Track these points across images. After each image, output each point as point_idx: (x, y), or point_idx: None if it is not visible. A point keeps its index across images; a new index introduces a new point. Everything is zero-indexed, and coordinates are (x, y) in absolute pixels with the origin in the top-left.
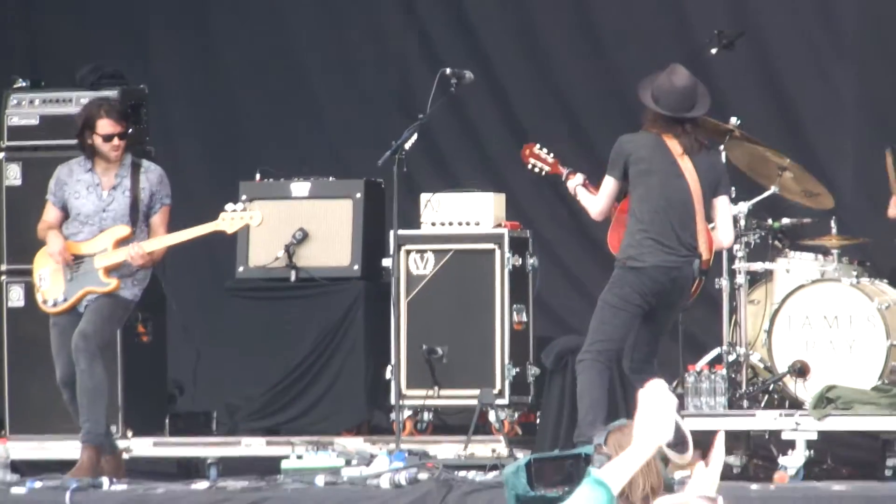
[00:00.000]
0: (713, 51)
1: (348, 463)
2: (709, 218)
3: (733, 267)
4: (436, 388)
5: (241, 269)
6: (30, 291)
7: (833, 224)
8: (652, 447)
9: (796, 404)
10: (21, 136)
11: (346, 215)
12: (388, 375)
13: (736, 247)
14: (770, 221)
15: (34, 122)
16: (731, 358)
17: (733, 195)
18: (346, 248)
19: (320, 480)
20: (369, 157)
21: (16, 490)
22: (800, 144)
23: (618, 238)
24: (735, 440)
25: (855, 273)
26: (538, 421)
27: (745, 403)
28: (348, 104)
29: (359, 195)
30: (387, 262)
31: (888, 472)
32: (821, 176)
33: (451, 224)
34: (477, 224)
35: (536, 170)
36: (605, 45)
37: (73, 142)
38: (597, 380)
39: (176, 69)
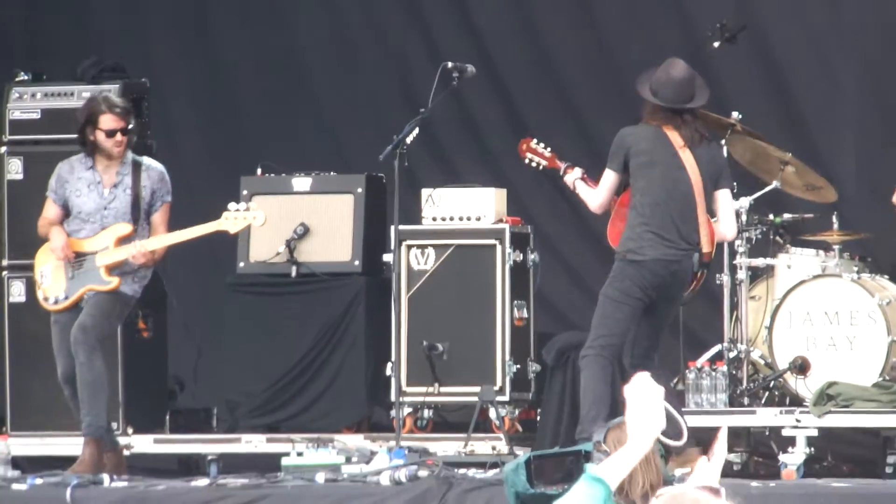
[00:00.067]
0: (715, 44)
1: (348, 460)
2: (711, 211)
3: (734, 262)
4: (436, 384)
5: (241, 264)
6: (31, 287)
7: (834, 219)
8: (648, 441)
9: (797, 401)
10: (23, 131)
11: (348, 210)
12: (388, 372)
13: (737, 242)
14: (771, 217)
15: (36, 116)
16: (732, 354)
17: (735, 190)
18: (347, 243)
19: (320, 477)
20: (370, 151)
21: (17, 486)
22: (802, 138)
23: (617, 231)
24: (736, 437)
25: (856, 269)
26: (539, 418)
27: (746, 400)
28: (350, 98)
29: (360, 190)
30: (388, 258)
31: (889, 470)
32: (822, 170)
33: (452, 219)
34: (478, 219)
35: (534, 164)
36: (607, 41)
37: (75, 136)
38: (600, 375)
39: (177, 63)
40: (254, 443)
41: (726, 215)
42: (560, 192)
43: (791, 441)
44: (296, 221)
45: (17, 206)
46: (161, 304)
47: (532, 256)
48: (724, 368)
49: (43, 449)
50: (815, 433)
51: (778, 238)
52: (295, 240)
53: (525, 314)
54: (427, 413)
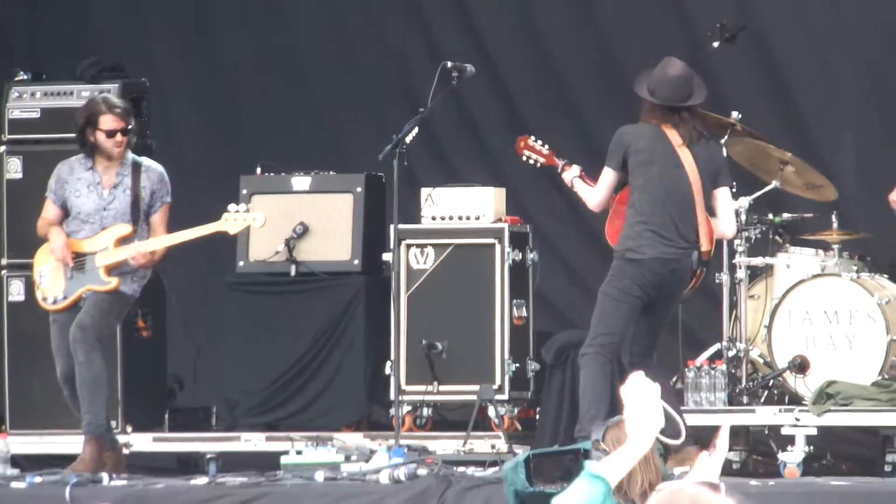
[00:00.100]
0: (715, 44)
1: (348, 458)
2: (710, 209)
3: (734, 262)
4: (435, 383)
5: (241, 263)
6: (30, 286)
7: (834, 219)
8: (648, 440)
9: (796, 400)
10: (22, 130)
11: (347, 209)
12: (387, 371)
13: (736, 241)
14: (771, 216)
15: (35, 115)
16: (731, 353)
17: (734, 189)
18: (347, 242)
19: (320, 476)
20: (370, 151)
21: (16, 485)
22: (801, 138)
23: (615, 229)
24: (735, 436)
25: (855, 268)
26: (538, 416)
27: (745, 399)
28: (350, 98)
29: (359, 189)
30: (387, 257)
31: (888, 468)
32: (822, 169)
33: (451, 218)
34: (477, 218)
35: (531, 162)
36: (607, 41)
37: (75, 135)
38: (599, 374)
39: (177, 63)
40: (253, 441)
41: (725, 213)
42: (559, 192)
43: (790, 440)
44: (295, 221)
45: (17, 205)
46: (160, 303)
47: (531, 255)
48: (724, 367)
49: (42, 447)
50: (814, 432)
51: (777, 237)
52: (294, 239)
53: (524, 313)
54: (426, 411)
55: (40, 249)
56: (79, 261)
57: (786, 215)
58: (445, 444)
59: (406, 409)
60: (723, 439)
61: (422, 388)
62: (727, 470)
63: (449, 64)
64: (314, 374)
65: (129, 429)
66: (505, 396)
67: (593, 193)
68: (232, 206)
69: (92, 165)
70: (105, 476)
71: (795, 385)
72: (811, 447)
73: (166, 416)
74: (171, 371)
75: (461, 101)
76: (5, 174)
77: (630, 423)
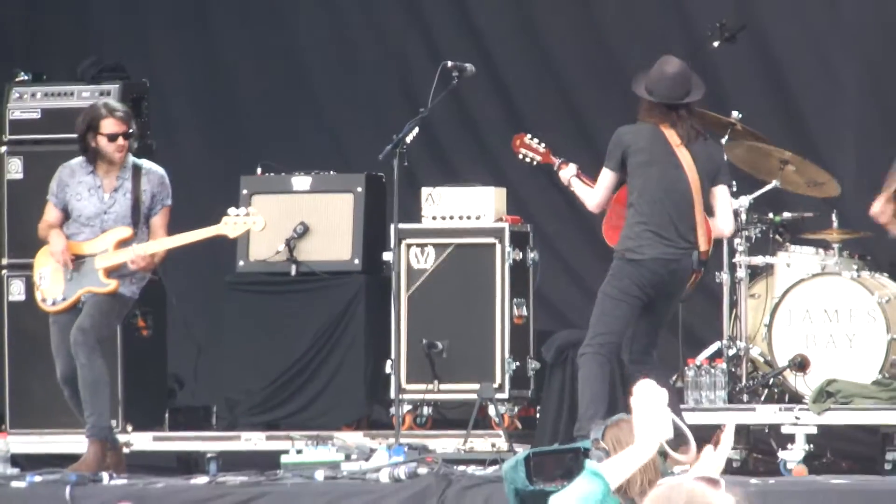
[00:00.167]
0: (715, 44)
1: (348, 457)
2: (708, 208)
3: (734, 261)
4: (435, 382)
5: (241, 262)
6: (31, 286)
7: (834, 218)
8: (653, 445)
9: (796, 398)
10: (23, 130)
11: (347, 209)
12: (387, 370)
13: (737, 240)
14: (771, 215)
15: (36, 115)
16: (731, 352)
17: (734, 189)
18: (347, 242)
19: (320, 475)
20: (370, 151)
21: (16, 484)
22: (802, 137)
23: (611, 227)
24: (735, 434)
25: (855, 267)
26: (538, 415)
27: (745, 397)
28: (350, 98)
29: (360, 189)
30: (387, 256)
31: (888, 467)
32: (823, 167)
33: (451, 218)
34: (478, 218)
35: (527, 160)
36: (607, 41)
37: (75, 135)
38: (598, 373)
39: (177, 63)
40: (253, 440)
41: (724, 211)
42: (559, 191)
43: (790, 438)
44: (295, 220)
45: (17, 205)
46: (161, 303)
47: (531, 255)
48: (724, 366)
49: (42, 447)
50: (814, 430)
51: (777, 236)
52: (295, 239)
53: (524, 312)
54: (426, 410)
55: (40, 251)
56: (78, 263)
57: (786, 214)
58: (446, 443)
59: (406, 407)
60: (727, 436)
61: (422, 386)
62: (728, 468)
63: (449, 64)
64: (314, 373)
65: (129, 428)
66: (505, 395)
67: (592, 194)
68: (232, 210)
69: (93, 169)
70: (105, 475)
71: (796, 384)
72: (811, 446)
73: (166, 415)
74: (171, 370)
75: (461, 101)
76: (6, 175)
77: (637, 427)
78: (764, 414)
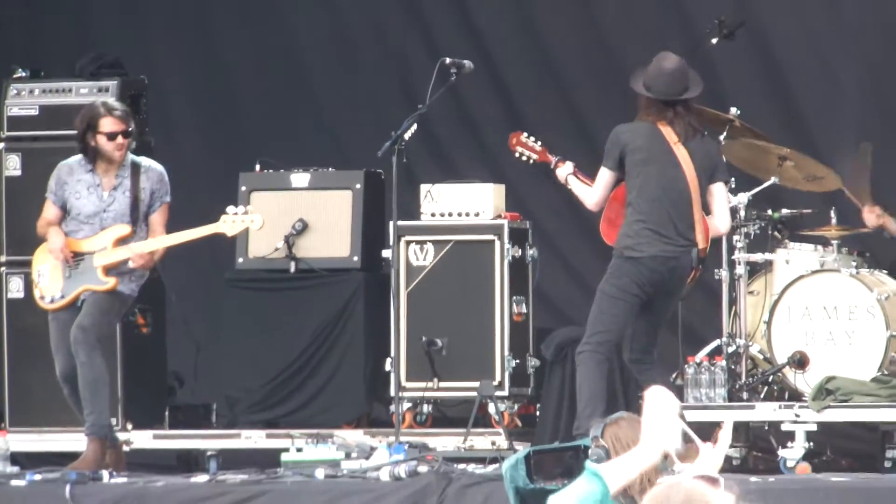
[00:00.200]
0: (714, 41)
1: (348, 456)
2: (705, 206)
3: (733, 257)
4: (435, 380)
5: (240, 260)
6: (30, 283)
7: (833, 214)
8: (656, 452)
9: (796, 396)
10: (21, 127)
11: (346, 206)
12: (387, 367)
13: (735, 237)
14: (770, 212)
15: (34, 112)
16: (731, 349)
17: (733, 185)
18: (346, 239)
19: (320, 473)
20: (369, 147)
21: (16, 482)
22: (800, 135)
23: (609, 225)
24: (734, 432)
25: (854, 263)
26: (538, 413)
27: (745, 395)
28: (350, 98)
29: (359, 186)
30: (386, 254)
31: (887, 464)
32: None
33: (450, 215)
34: (477, 215)
35: (524, 158)
36: (607, 40)
37: (73, 132)
38: (595, 371)
39: (177, 63)
40: (253, 438)
41: (720, 209)
42: (558, 188)
43: (790, 436)
44: (294, 217)
45: (16, 202)
46: (160, 300)
47: (531, 252)
48: (723, 363)
49: (42, 445)
50: (814, 428)
51: (776, 233)
52: (293, 236)
53: (524, 309)
54: (426, 408)
55: (39, 249)
56: (77, 260)
57: (785, 211)
58: (446, 441)
59: (406, 405)
60: (725, 434)
61: (422, 384)
62: (727, 466)
63: (447, 60)
64: (314, 371)
65: (129, 426)
66: (505, 393)
67: (591, 193)
68: (230, 209)
69: (92, 168)
70: (105, 474)
71: (795, 381)
72: (811, 443)
73: (166, 413)
74: (170, 368)
75: (460, 98)
76: (4, 171)
77: (643, 431)
78: (763, 411)
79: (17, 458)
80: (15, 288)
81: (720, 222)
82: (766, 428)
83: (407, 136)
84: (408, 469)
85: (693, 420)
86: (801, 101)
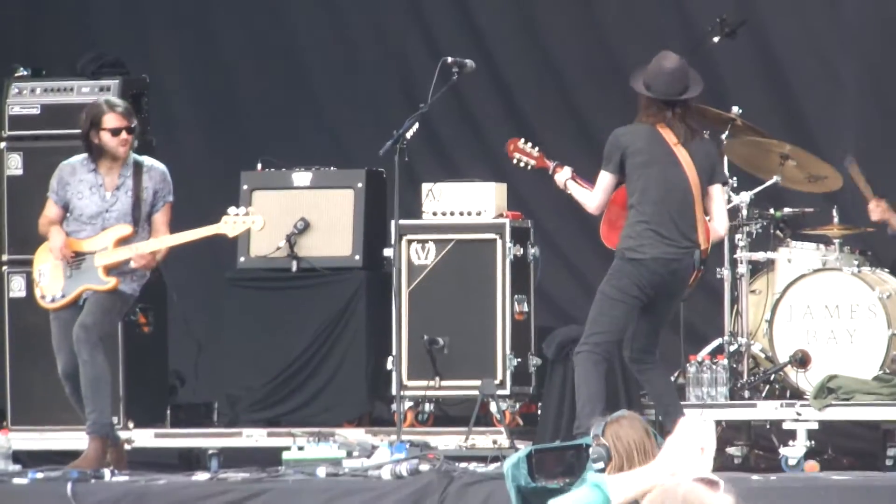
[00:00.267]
0: (715, 39)
1: (349, 454)
2: (704, 207)
3: (735, 256)
4: (437, 378)
5: (242, 259)
6: (31, 282)
7: (835, 213)
8: (666, 476)
9: (797, 394)
10: (22, 126)
11: (348, 205)
12: (389, 366)
13: (737, 236)
14: (772, 211)
15: (35, 111)
16: (733, 348)
17: (735, 185)
18: (348, 237)
19: (321, 472)
20: (371, 147)
21: (17, 481)
22: (801, 133)
23: (609, 228)
24: (736, 431)
25: (856, 262)
26: (539, 412)
27: (747, 393)
28: (350, 98)
29: (360, 185)
30: (388, 252)
31: (889, 462)
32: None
33: (452, 214)
34: (478, 214)
35: (522, 164)
36: (607, 39)
37: (75, 131)
38: (593, 372)
39: (177, 62)
40: (254, 437)
41: (719, 212)
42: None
43: (792, 434)
44: (296, 216)
45: (17, 201)
46: (161, 299)
47: (532, 251)
48: (725, 362)
49: (43, 443)
50: (815, 426)
51: (778, 232)
52: (295, 235)
53: (525, 308)
54: (428, 407)
55: (40, 248)
56: (78, 260)
57: (787, 210)
58: (447, 440)
59: (408, 404)
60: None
61: (423, 383)
62: (729, 465)
63: (449, 59)
64: (316, 369)
65: (130, 425)
66: (506, 392)
67: (591, 197)
68: (232, 209)
69: (95, 167)
70: (107, 472)
71: (797, 379)
72: (812, 442)
73: (168, 411)
74: (172, 367)
75: (462, 97)
76: (6, 170)
77: (663, 454)
78: (765, 410)
79: (19, 457)
80: (17, 287)
81: (719, 225)
82: (768, 426)
83: (408, 135)
84: (409, 468)
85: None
86: (802, 100)
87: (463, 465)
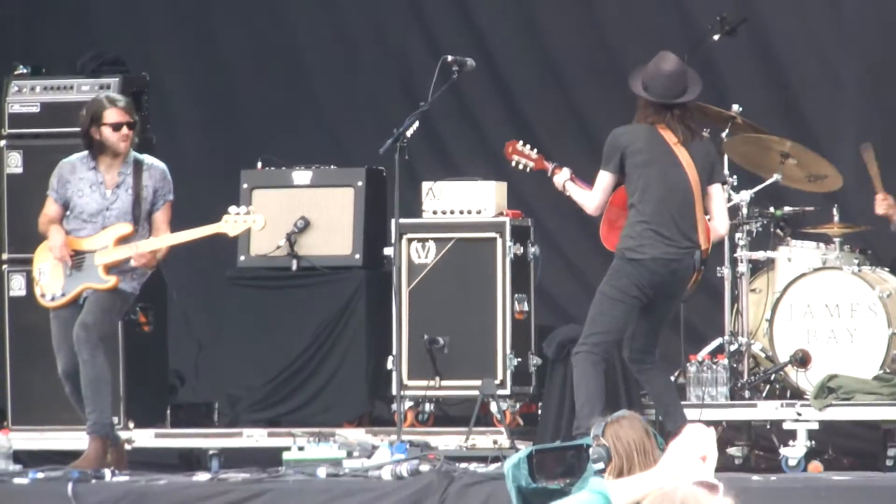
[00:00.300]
0: (715, 37)
1: (350, 454)
2: (705, 207)
3: (735, 255)
4: (437, 378)
5: (242, 257)
6: (32, 281)
7: (835, 212)
8: (667, 481)
9: (798, 394)
10: (22, 124)
11: (348, 204)
12: (389, 366)
13: (738, 235)
14: (772, 210)
15: (35, 109)
16: (733, 347)
17: (735, 183)
18: (348, 236)
19: (322, 472)
20: (371, 145)
21: (18, 481)
22: (802, 131)
23: (608, 228)
24: (737, 431)
25: (856, 261)
26: (540, 411)
27: (747, 393)
28: (350, 98)
29: (360, 183)
30: (388, 251)
31: (889, 462)
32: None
33: (452, 212)
34: (478, 212)
35: (520, 167)
36: (608, 38)
37: (75, 129)
38: (591, 372)
39: (177, 62)
40: (255, 437)
41: (719, 212)
42: None
43: (792, 434)
44: (296, 215)
45: (17, 199)
46: (161, 298)
47: (533, 250)
48: (725, 361)
49: (44, 443)
50: (815, 426)
51: (778, 231)
52: (295, 233)
53: (526, 307)
54: (428, 407)
55: (40, 246)
56: (78, 259)
57: (787, 208)
58: (447, 440)
59: (408, 404)
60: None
61: (424, 383)
62: (729, 465)
63: (449, 58)
64: (316, 369)
65: (130, 425)
66: (507, 391)
67: (591, 197)
68: (232, 209)
69: (95, 165)
70: (107, 472)
71: (797, 379)
72: (813, 442)
73: (168, 411)
74: (172, 366)
75: (462, 96)
76: (5, 169)
77: (664, 459)
78: (765, 410)
79: (20, 457)
80: (17, 286)
81: (719, 224)
82: (768, 426)
83: (409, 133)
84: (409, 468)
85: (695, 419)
86: (802, 98)
87: (463, 465)
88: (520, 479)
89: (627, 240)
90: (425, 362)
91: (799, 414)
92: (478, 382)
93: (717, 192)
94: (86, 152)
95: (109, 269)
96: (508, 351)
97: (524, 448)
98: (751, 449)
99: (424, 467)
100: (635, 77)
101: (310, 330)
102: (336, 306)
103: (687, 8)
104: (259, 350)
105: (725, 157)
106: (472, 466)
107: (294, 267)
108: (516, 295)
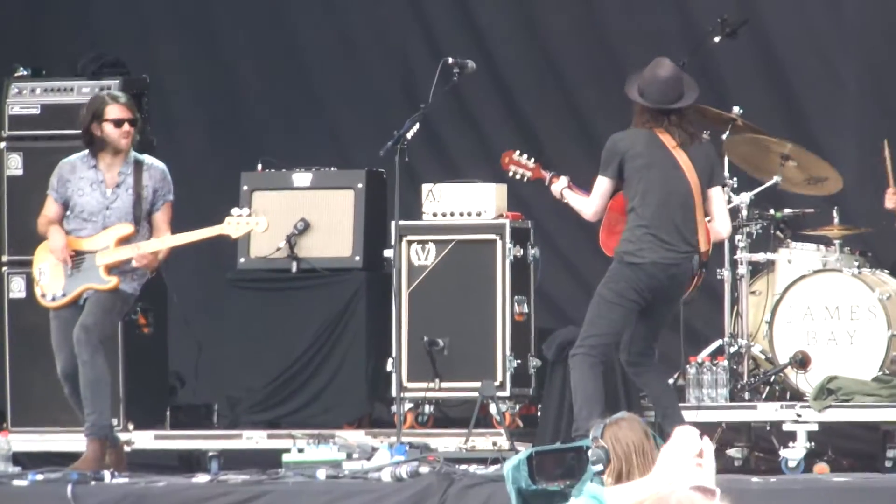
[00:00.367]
0: (716, 39)
1: (349, 456)
2: (705, 209)
3: (735, 257)
4: (437, 380)
5: (242, 259)
6: (31, 283)
7: (835, 214)
8: (664, 486)
9: (797, 396)
10: (22, 126)
11: (348, 205)
12: (389, 368)
13: (738, 237)
14: (772, 212)
15: (35, 111)
16: (733, 349)
17: (735, 185)
18: (348, 238)
19: (321, 474)
20: (371, 147)
21: (17, 482)
22: (802, 133)
23: (608, 233)
24: (736, 432)
25: (856, 263)
26: (539, 413)
27: (747, 395)
28: (350, 98)
29: (360, 185)
30: (388, 253)
31: (888, 464)
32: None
33: (452, 214)
34: (478, 214)
35: (518, 176)
36: (608, 39)
37: (75, 131)
38: (589, 374)
39: (177, 62)
40: (255, 439)
41: (720, 214)
42: None
43: (792, 436)
44: (296, 217)
45: (17, 201)
46: (161, 300)
47: (532, 251)
48: (725, 363)
49: (43, 445)
50: (815, 428)
51: (778, 233)
52: (295, 235)
53: (525, 309)
54: (428, 409)
55: (40, 246)
56: (78, 259)
57: (787, 210)
58: (447, 442)
59: (408, 406)
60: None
61: (423, 385)
62: (729, 467)
63: (450, 60)
64: (315, 371)
65: (130, 426)
66: (506, 393)
67: (589, 203)
68: (235, 210)
69: (95, 164)
70: (107, 474)
71: (797, 381)
72: (812, 443)
73: (168, 413)
74: (172, 368)
75: (462, 98)
76: (5, 171)
77: (659, 464)
78: (765, 411)
79: (19, 458)
80: (17, 288)
81: (721, 226)
82: (768, 428)
83: (409, 135)
84: (409, 470)
85: (694, 420)
86: (803, 100)
87: (463, 467)
88: (519, 480)
89: (626, 243)
90: (425, 364)
91: (798, 415)
92: (477, 384)
93: (718, 195)
94: (86, 151)
95: (110, 269)
96: (508, 353)
97: (524, 450)
98: (750, 450)
99: (424, 469)
100: (631, 83)
101: (310, 332)
102: (336, 308)
103: (687, 8)
104: (259, 352)
105: (725, 158)
106: (472, 468)
107: (294, 269)
108: (516, 297)
